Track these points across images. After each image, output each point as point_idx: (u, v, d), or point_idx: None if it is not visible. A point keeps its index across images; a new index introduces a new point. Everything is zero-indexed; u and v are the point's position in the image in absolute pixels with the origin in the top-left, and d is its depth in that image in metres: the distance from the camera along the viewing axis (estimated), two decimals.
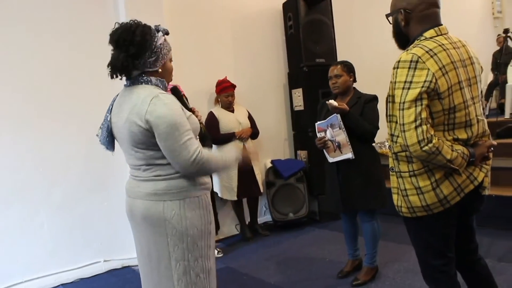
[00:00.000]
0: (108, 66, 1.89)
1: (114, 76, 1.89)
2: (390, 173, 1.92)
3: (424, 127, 1.66)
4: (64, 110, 3.89)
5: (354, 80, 3.29)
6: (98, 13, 4.05)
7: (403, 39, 1.91)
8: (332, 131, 3.08)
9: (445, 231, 1.87)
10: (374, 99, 3.21)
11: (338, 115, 3.00)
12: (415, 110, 1.66)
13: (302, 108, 5.08)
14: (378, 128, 3.18)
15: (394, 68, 1.76)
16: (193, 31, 4.70)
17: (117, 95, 2.02)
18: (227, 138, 4.39)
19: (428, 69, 1.67)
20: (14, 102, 3.68)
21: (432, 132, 1.68)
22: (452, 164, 1.70)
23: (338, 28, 5.26)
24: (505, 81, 6.20)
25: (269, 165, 5.05)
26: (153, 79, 1.90)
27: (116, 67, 1.85)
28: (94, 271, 4.02)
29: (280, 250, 4.20)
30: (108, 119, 1.99)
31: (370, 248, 3.25)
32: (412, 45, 1.80)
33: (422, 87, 1.66)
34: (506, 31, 6.26)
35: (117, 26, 1.88)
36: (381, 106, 3.11)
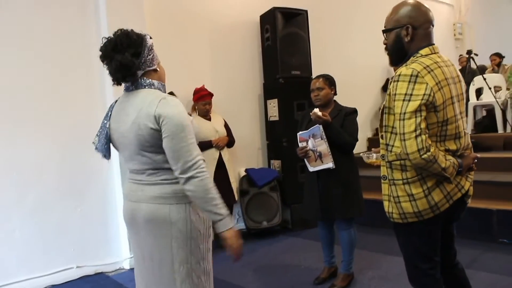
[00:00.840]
0: (110, 73, 1.91)
1: (123, 80, 1.91)
2: (382, 181, 2.02)
3: (423, 136, 1.78)
4: (37, 114, 3.83)
5: (335, 93, 3.41)
6: (79, 21, 4.02)
7: (401, 55, 2.01)
8: (314, 141, 3.18)
9: (433, 237, 2.00)
10: (354, 112, 3.34)
11: (321, 126, 3.10)
12: (415, 120, 1.78)
13: (277, 118, 5.18)
14: (357, 140, 3.31)
15: (394, 81, 1.87)
16: (172, 39, 4.73)
17: (116, 102, 2.04)
18: (204, 146, 4.41)
19: (427, 83, 1.80)
20: None
21: (430, 142, 1.81)
22: (445, 173, 1.83)
23: (312, 42, 5.42)
24: (467, 99, 6.53)
25: (243, 173, 5.11)
26: (155, 82, 1.95)
27: (125, 68, 1.85)
28: (66, 277, 3.94)
29: (255, 258, 4.25)
30: (107, 126, 1.99)
31: (346, 255, 3.36)
32: (410, 60, 1.92)
33: (422, 99, 1.78)
34: (469, 52, 6.59)
35: (105, 40, 1.91)
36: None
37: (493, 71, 7.47)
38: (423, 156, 1.77)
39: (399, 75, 1.85)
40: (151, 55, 1.94)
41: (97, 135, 2.05)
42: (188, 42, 4.90)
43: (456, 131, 1.92)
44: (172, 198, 1.89)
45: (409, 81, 1.81)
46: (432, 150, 1.78)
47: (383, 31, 2.06)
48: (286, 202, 5.11)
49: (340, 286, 3.31)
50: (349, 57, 6.59)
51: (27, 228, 3.78)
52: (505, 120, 6.25)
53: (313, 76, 5.01)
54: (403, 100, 1.81)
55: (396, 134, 1.90)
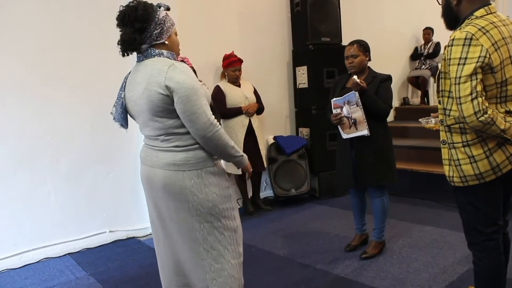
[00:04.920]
0: (118, 44, 1.98)
1: (125, 53, 1.99)
2: (442, 146, 2.02)
3: (480, 99, 1.76)
4: (69, 79, 3.86)
5: (369, 59, 3.33)
6: None
7: (453, 18, 1.99)
8: (349, 108, 3.13)
9: (496, 199, 1.98)
10: (388, 79, 3.27)
11: (357, 93, 3.05)
12: (470, 84, 1.76)
13: (306, 86, 5.11)
14: (391, 107, 3.26)
15: (448, 46, 1.84)
16: (199, 4, 4.66)
17: (129, 73, 2.11)
18: (234, 112, 4.42)
19: (482, 45, 1.76)
20: (19, 69, 3.63)
21: (487, 104, 1.78)
22: (505, 134, 1.81)
23: (342, 8, 5.28)
24: None
25: (272, 141, 5.10)
26: (164, 52, 2.00)
27: (125, 43, 1.95)
28: (100, 241, 4.05)
29: (284, 225, 4.28)
30: (122, 96, 2.09)
31: (379, 223, 3.35)
32: (464, 23, 1.88)
33: (477, 62, 1.75)
34: None
35: (120, 9, 1.99)
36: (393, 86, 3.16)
37: None
38: (480, 119, 1.75)
39: (453, 39, 1.82)
40: (159, 29, 1.98)
41: (114, 105, 2.14)
42: (216, 7, 4.81)
43: None
44: (185, 165, 1.96)
45: (463, 45, 1.78)
46: (489, 112, 1.76)
47: None
48: (314, 170, 5.09)
49: (372, 253, 3.32)
50: (379, 24, 6.42)
51: (61, 193, 3.86)
52: None
53: (344, 43, 4.98)
54: (458, 64, 1.79)
55: (453, 98, 1.87)
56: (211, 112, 1.94)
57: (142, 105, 1.96)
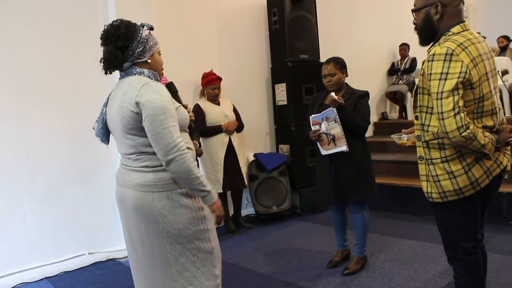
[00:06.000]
0: (100, 62, 2.01)
1: (108, 71, 2.01)
2: (419, 162, 2.02)
3: (462, 114, 1.77)
4: (47, 99, 3.81)
5: (346, 76, 3.37)
6: (86, 6, 4.00)
7: (431, 33, 1.99)
8: (327, 124, 3.16)
9: (475, 214, 2.00)
10: (366, 95, 3.32)
11: (334, 109, 3.08)
12: (453, 99, 1.77)
13: (285, 102, 5.15)
14: (369, 123, 3.30)
15: (428, 61, 1.85)
16: (179, 23, 4.69)
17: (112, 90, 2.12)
18: (214, 130, 4.42)
19: (462, 61, 1.79)
20: None
21: (468, 119, 1.80)
22: (484, 149, 1.83)
23: (320, 26, 5.37)
24: None
25: (252, 158, 5.10)
26: (145, 71, 2.01)
27: (108, 60, 1.97)
28: (78, 264, 3.95)
29: (266, 242, 4.26)
30: (104, 112, 2.10)
31: (360, 238, 3.36)
32: (442, 39, 1.90)
33: (459, 77, 1.77)
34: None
35: (104, 28, 2.02)
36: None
37: (501, 53, 7.41)
38: (463, 134, 1.77)
39: (434, 54, 1.83)
40: (141, 47, 1.99)
41: (96, 121, 2.14)
42: (196, 26, 4.84)
43: (492, 106, 1.92)
44: (154, 186, 1.95)
45: (444, 60, 1.79)
46: (471, 127, 1.78)
47: (413, 11, 2.04)
48: (295, 186, 5.11)
49: (354, 269, 3.31)
50: (356, 40, 6.55)
51: (38, 214, 3.77)
52: None
53: (321, 59, 5.05)
54: (440, 79, 1.80)
55: (431, 113, 1.90)
56: (179, 134, 1.89)
57: (116, 122, 1.98)
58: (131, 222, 2.03)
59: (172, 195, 1.95)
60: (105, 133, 2.12)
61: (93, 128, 2.15)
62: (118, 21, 2.00)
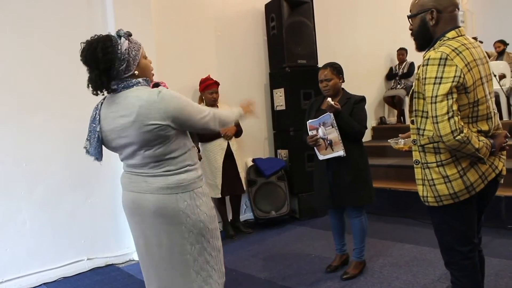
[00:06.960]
0: (88, 87, 1.94)
1: (98, 92, 1.95)
2: (415, 166, 2.04)
3: (456, 118, 1.79)
4: (46, 105, 3.81)
5: (343, 81, 3.39)
6: (85, 10, 4.01)
7: (427, 38, 2.01)
8: (324, 129, 3.17)
9: (471, 218, 2.00)
10: (362, 100, 3.34)
11: (331, 114, 3.10)
12: (447, 103, 1.79)
13: (283, 108, 5.17)
14: (366, 128, 3.31)
15: (423, 66, 1.87)
16: (177, 28, 4.71)
17: (101, 104, 2.04)
18: (213, 135, 4.42)
19: (456, 65, 1.80)
20: None
21: (462, 123, 1.81)
22: (478, 153, 1.84)
23: (318, 31, 5.40)
24: None
25: (250, 163, 5.10)
26: (140, 80, 1.98)
27: (95, 86, 1.92)
28: (77, 269, 3.94)
29: (265, 247, 4.26)
30: (98, 130, 2.00)
31: (358, 242, 3.36)
32: (437, 44, 1.93)
33: (453, 81, 1.79)
34: (474, 39, 6.55)
35: (82, 46, 1.93)
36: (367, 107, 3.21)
37: (498, 58, 7.44)
38: (456, 138, 1.78)
39: (428, 59, 1.85)
40: (124, 64, 1.92)
41: (87, 139, 2.04)
42: (194, 32, 4.86)
43: (487, 111, 1.93)
44: (178, 187, 1.97)
45: (439, 64, 1.81)
46: (465, 131, 1.80)
47: (408, 17, 2.07)
48: (294, 191, 5.11)
49: (353, 273, 3.32)
50: (354, 45, 6.57)
51: (37, 220, 3.77)
52: (510, 107, 6.24)
53: (319, 64, 5.06)
54: (434, 83, 1.81)
55: (427, 118, 1.91)
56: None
57: (131, 137, 1.91)
58: (148, 226, 2.02)
59: (194, 195, 1.99)
60: (100, 151, 2.04)
61: (85, 147, 2.05)
62: (92, 38, 1.92)
